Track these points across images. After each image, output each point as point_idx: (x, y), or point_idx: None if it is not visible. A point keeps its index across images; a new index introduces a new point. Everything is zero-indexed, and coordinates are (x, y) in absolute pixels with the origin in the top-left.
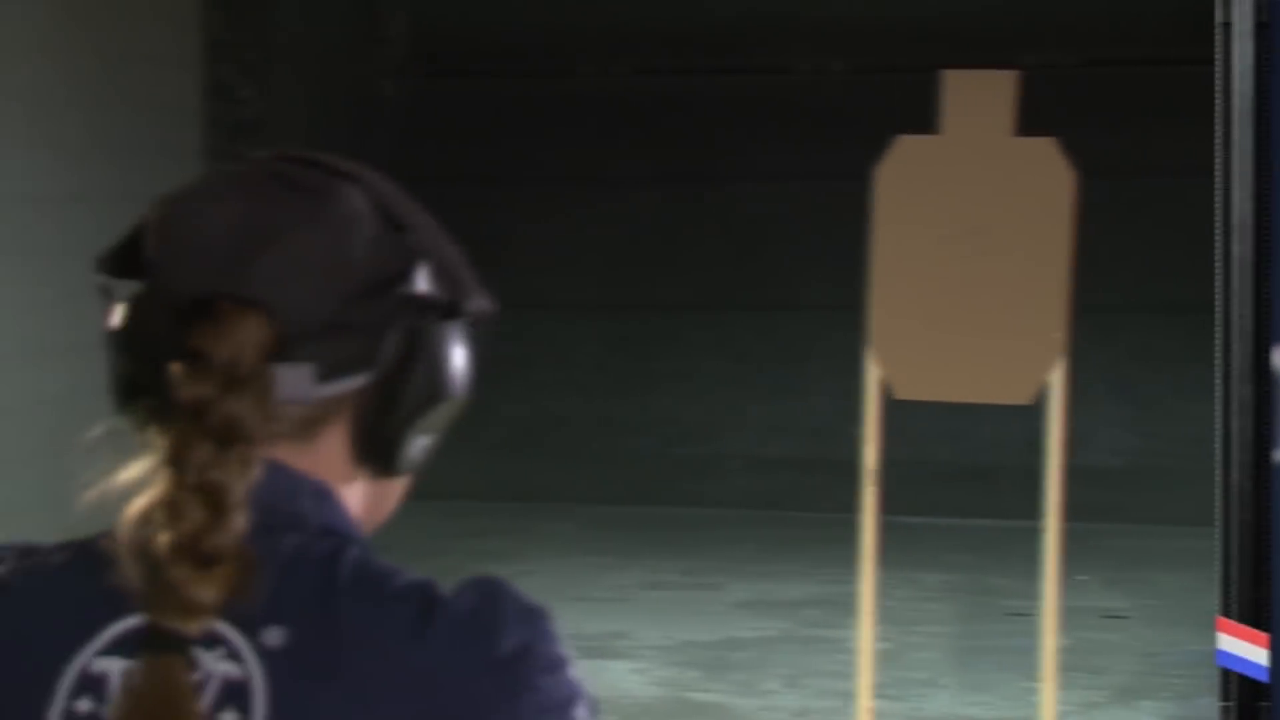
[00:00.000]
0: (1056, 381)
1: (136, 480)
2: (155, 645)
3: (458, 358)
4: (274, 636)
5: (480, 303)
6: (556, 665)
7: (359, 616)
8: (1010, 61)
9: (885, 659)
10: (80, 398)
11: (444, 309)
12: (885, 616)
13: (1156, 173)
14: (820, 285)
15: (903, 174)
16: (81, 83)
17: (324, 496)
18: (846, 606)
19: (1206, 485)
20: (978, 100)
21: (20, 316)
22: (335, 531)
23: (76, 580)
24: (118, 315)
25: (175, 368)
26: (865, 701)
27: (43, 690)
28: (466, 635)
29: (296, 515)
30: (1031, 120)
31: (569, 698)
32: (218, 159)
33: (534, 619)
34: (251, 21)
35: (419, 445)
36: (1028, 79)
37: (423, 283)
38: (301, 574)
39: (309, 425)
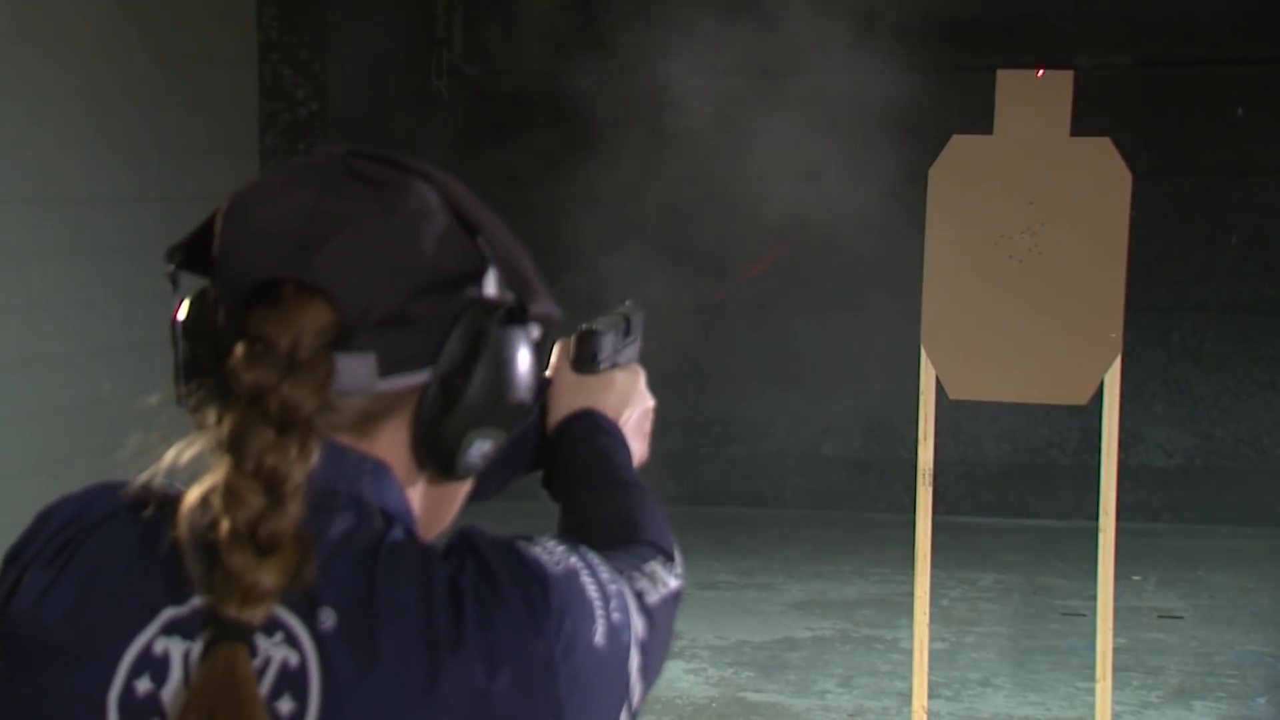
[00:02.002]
0: (1111, 381)
1: (193, 464)
2: (217, 632)
3: (522, 361)
4: (327, 619)
5: (547, 307)
6: (586, 610)
7: (395, 602)
8: (1065, 62)
9: (940, 659)
10: (135, 396)
11: (510, 312)
12: (940, 616)
13: (1211, 173)
14: (875, 284)
15: (957, 173)
16: (136, 82)
17: (381, 475)
18: (901, 606)
19: (1261, 485)
20: (1033, 100)
21: (75, 316)
22: (386, 512)
23: (141, 553)
24: (184, 307)
25: (236, 351)
26: (920, 701)
27: (106, 671)
28: (496, 616)
29: (355, 496)
30: (1086, 120)
31: (614, 633)
32: (273, 158)
33: (533, 575)
34: (305, 21)
35: (479, 449)
36: (1082, 79)
37: (491, 285)
38: (347, 556)
39: (369, 420)
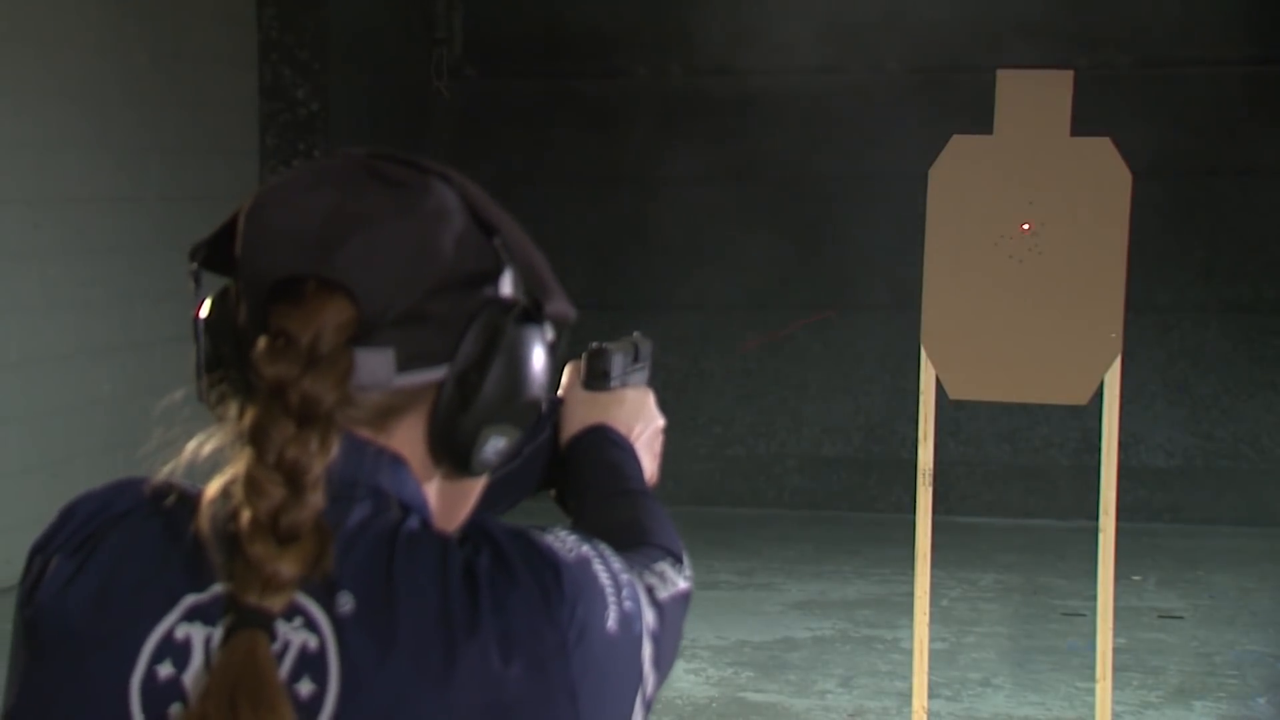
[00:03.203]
0: (1111, 381)
1: (213, 457)
2: (238, 619)
3: (537, 359)
4: (345, 604)
5: (562, 307)
6: (599, 596)
7: (412, 586)
8: (1065, 62)
9: (940, 659)
10: (134, 396)
11: (526, 311)
12: (940, 616)
13: (1211, 173)
14: (875, 285)
15: (957, 174)
16: (136, 82)
17: (399, 467)
18: (901, 606)
19: (1261, 485)
20: (1033, 100)
21: (75, 316)
22: (403, 503)
23: (163, 543)
24: (206, 305)
25: (259, 346)
26: (920, 701)
27: (128, 657)
28: (510, 601)
29: (374, 487)
30: (1086, 120)
31: (626, 621)
32: (273, 158)
33: (546, 561)
34: (305, 20)
35: (494, 446)
36: (1083, 79)
37: (507, 285)
38: (365, 542)
39: (386, 415)
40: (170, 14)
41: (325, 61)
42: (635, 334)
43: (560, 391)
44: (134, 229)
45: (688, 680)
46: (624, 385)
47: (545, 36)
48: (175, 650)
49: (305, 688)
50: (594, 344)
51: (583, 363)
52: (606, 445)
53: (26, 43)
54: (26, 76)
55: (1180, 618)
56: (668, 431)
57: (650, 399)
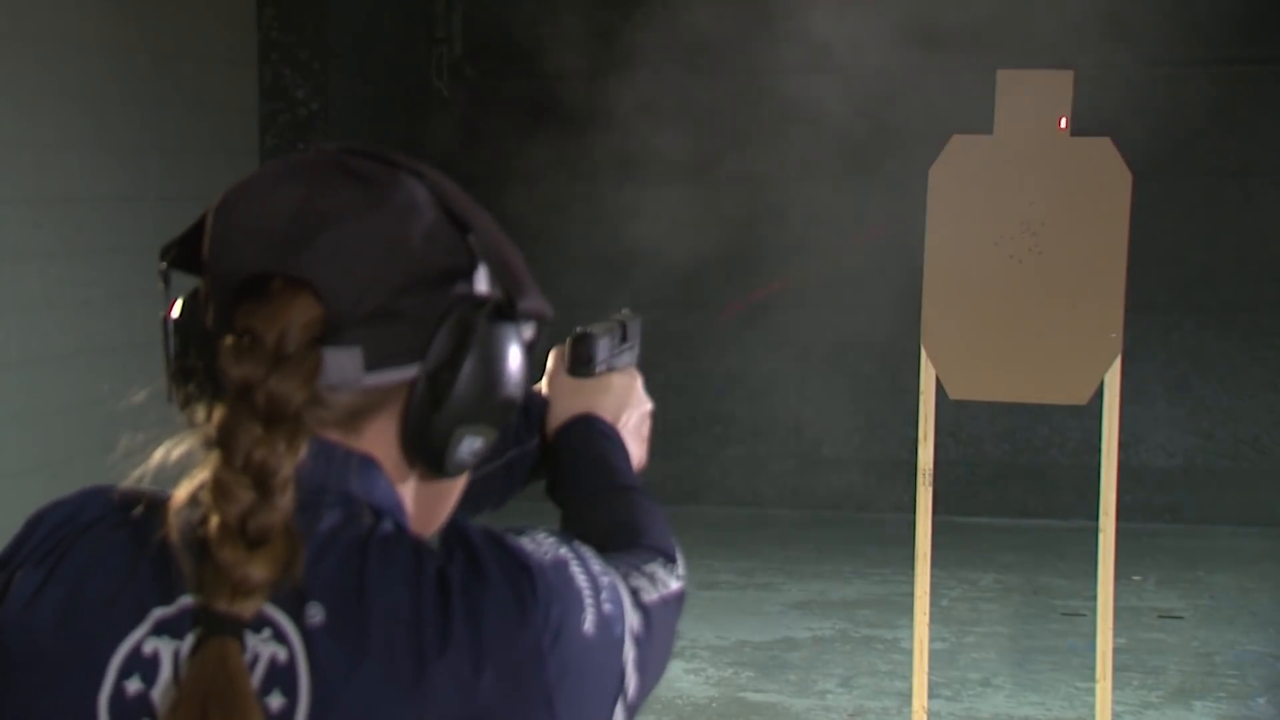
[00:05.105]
0: (1112, 381)
1: (182, 462)
2: (207, 628)
3: (512, 358)
4: (315, 615)
5: (537, 304)
6: (575, 599)
7: (385, 594)
8: (1065, 62)
9: (940, 659)
10: (132, 396)
11: (499, 308)
12: (940, 616)
13: (1212, 173)
14: (874, 284)
15: (957, 173)
16: (135, 82)
17: (369, 469)
18: (901, 606)
19: (1261, 485)
20: (1033, 100)
21: (73, 316)
22: (375, 507)
23: (131, 554)
24: (177, 306)
25: (224, 345)
26: (920, 701)
27: (96, 673)
28: (483, 607)
29: (343, 492)
30: (1086, 120)
31: (605, 623)
32: (273, 158)
33: (520, 565)
34: (305, 21)
35: (469, 446)
36: (1083, 79)
37: (481, 281)
38: (335, 551)
39: (356, 415)
40: (170, 14)
41: (325, 61)
42: (624, 311)
43: (545, 378)
44: (134, 229)
45: (688, 680)
46: (610, 369)
47: (546, 36)
48: (143, 665)
49: (275, 701)
50: (578, 328)
51: (566, 348)
52: (594, 436)
53: (26, 43)
54: (26, 76)
55: (1180, 618)
56: (666, 430)
57: (638, 382)
